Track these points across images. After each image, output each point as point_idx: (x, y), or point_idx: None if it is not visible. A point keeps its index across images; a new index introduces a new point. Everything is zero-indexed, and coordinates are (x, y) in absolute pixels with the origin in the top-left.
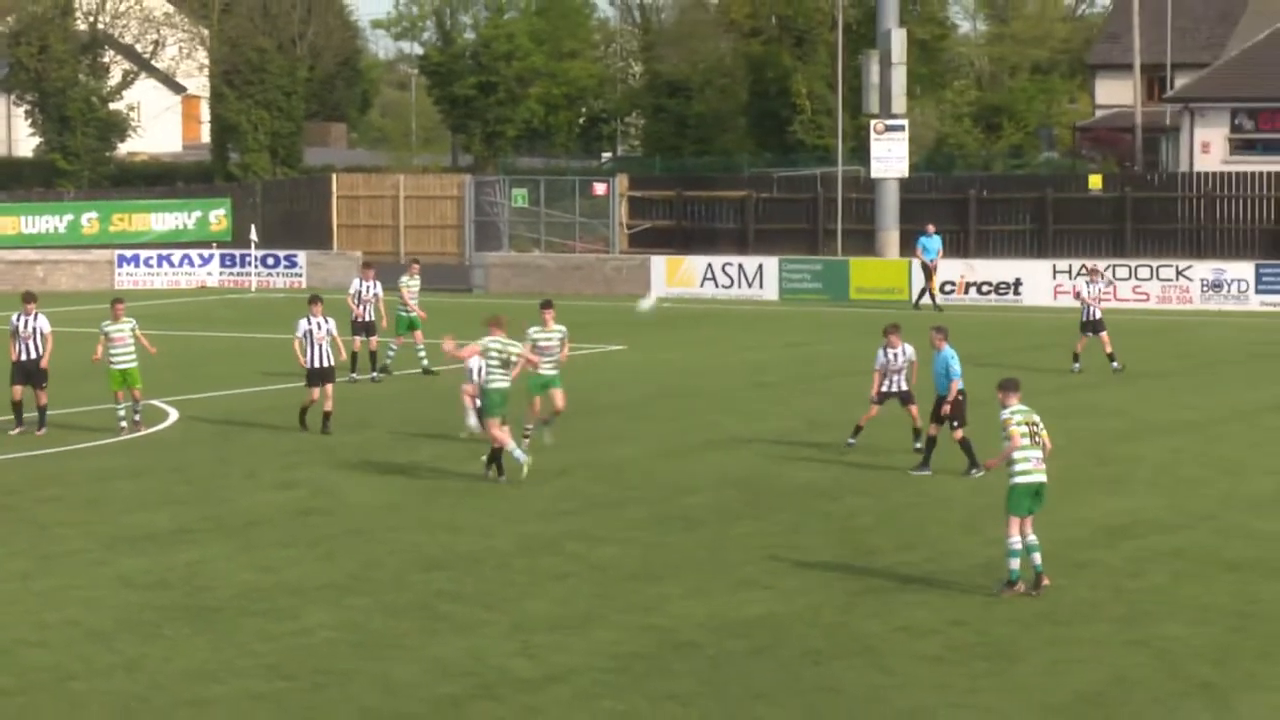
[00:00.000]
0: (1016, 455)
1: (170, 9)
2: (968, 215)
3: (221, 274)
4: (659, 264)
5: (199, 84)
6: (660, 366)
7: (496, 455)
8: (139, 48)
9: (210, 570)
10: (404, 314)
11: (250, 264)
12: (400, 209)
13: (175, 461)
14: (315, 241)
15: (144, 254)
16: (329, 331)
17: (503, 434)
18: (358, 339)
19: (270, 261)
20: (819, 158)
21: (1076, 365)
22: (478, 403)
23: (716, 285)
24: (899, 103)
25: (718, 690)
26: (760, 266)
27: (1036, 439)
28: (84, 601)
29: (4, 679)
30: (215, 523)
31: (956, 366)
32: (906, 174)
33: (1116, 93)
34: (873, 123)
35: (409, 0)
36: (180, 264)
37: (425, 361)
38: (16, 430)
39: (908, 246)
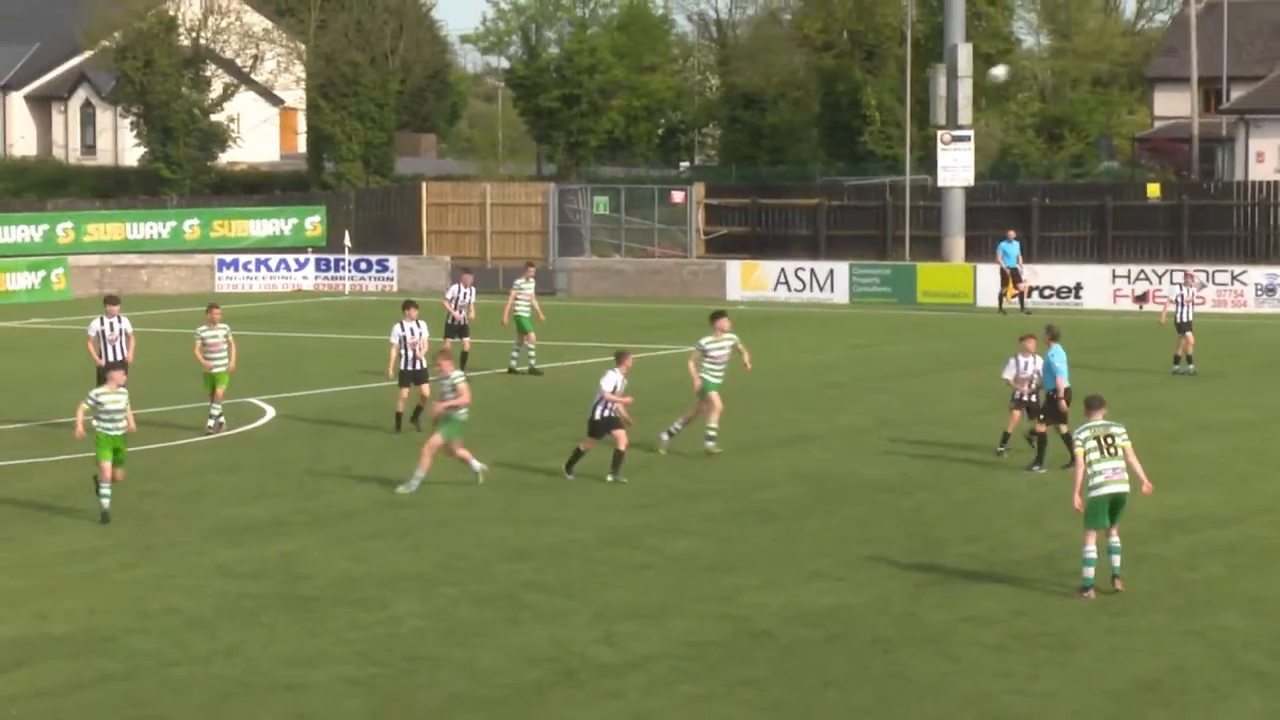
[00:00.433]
0: (1091, 470)
1: (269, 25)
2: (1030, 222)
3: (317, 278)
4: (734, 269)
5: (296, 96)
6: (736, 366)
7: (577, 456)
8: (239, 62)
9: (304, 561)
10: (524, 313)
11: (344, 268)
12: (487, 216)
13: (270, 457)
14: (406, 247)
15: (243, 259)
16: (423, 335)
17: (464, 452)
18: (449, 341)
19: (363, 266)
20: (888, 167)
21: (1177, 366)
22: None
23: (789, 289)
24: (965, 114)
25: (790, 677)
26: (831, 271)
27: (1112, 449)
28: (185, 590)
29: (109, 664)
30: (309, 515)
31: (1060, 365)
32: (972, 182)
33: (1174, 104)
34: (940, 133)
35: (496, 16)
36: (277, 268)
37: (533, 361)
38: None
39: (973, 252)
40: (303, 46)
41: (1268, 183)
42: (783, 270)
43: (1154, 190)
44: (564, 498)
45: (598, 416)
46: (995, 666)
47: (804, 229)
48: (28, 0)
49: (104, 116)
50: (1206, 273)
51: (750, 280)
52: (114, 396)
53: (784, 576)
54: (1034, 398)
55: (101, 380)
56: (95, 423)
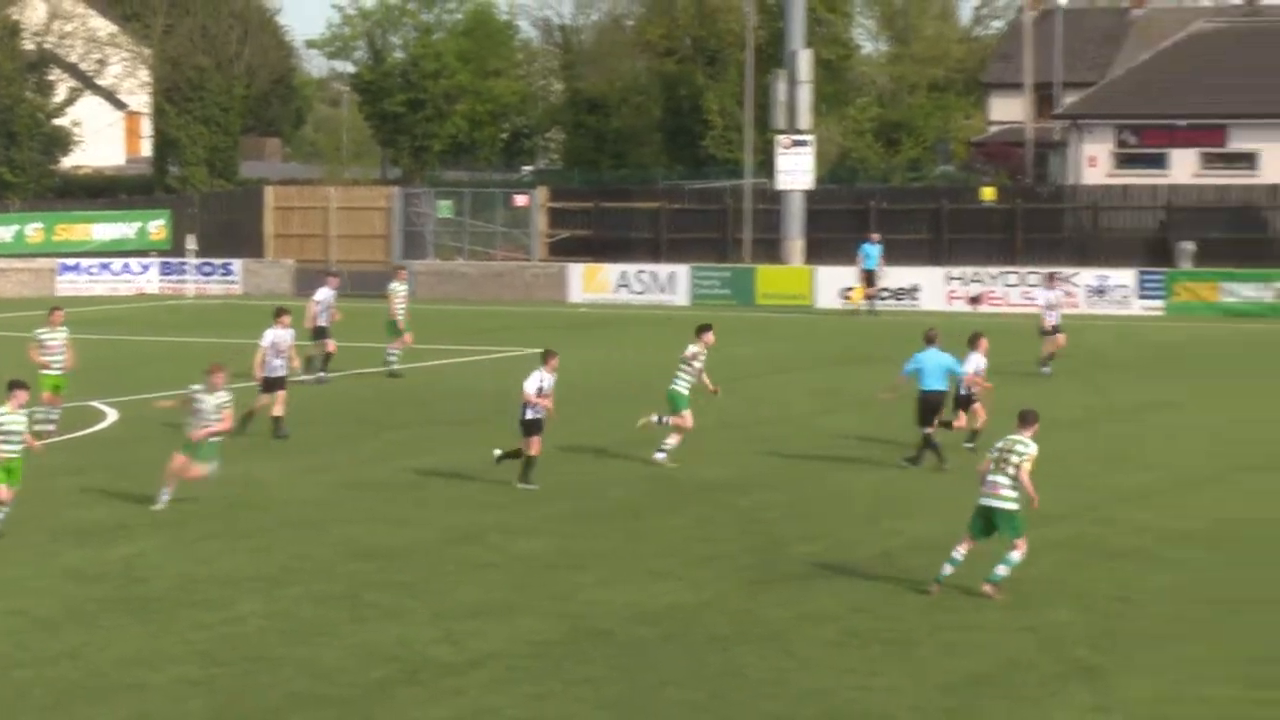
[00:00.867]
0: (982, 479)
1: (115, 30)
2: (869, 225)
3: (161, 281)
4: (576, 271)
5: (141, 101)
6: (577, 368)
7: (514, 454)
8: (84, 66)
9: (147, 563)
10: (401, 316)
11: (188, 271)
12: (332, 219)
13: (114, 460)
14: (250, 250)
15: (85, 262)
16: (290, 342)
17: (198, 471)
18: (316, 344)
19: (207, 269)
20: (729, 171)
21: (1046, 368)
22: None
23: (631, 292)
24: (805, 119)
25: (628, 675)
26: (672, 274)
27: (1003, 465)
28: (33, 592)
29: None
30: (151, 517)
31: (930, 365)
32: (811, 186)
33: (1009, 110)
34: (780, 138)
35: (342, 21)
36: (120, 272)
37: (393, 363)
38: None
39: (813, 255)
40: (148, 51)
41: (1099, 186)
42: (624, 273)
43: (989, 194)
44: (409, 498)
45: (528, 417)
46: (833, 662)
47: (646, 232)
48: None
49: None
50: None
51: (592, 283)
52: (15, 416)
53: (624, 575)
54: (971, 391)
55: None
56: None
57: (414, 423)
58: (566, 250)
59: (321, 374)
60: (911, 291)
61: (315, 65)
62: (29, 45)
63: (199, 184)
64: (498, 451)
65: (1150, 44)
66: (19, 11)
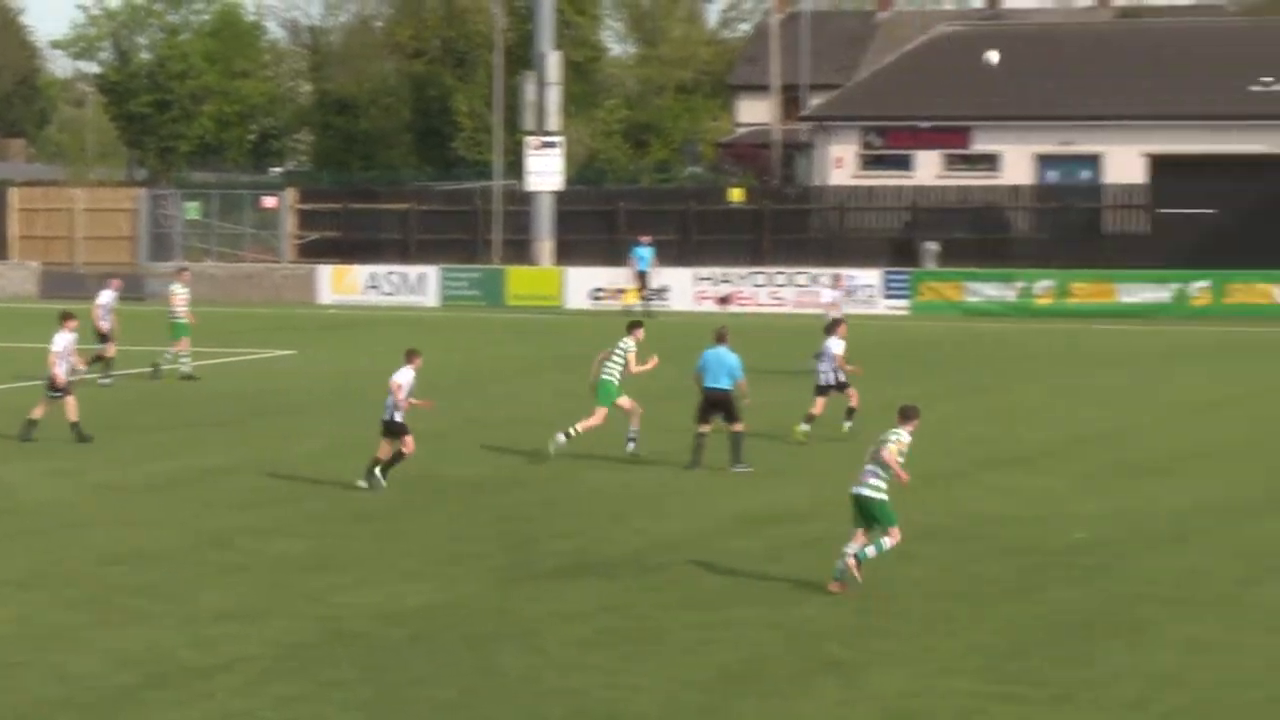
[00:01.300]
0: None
1: None
2: (618, 226)
3: None
4: (325, 273)
5: None
6: (328, 370)
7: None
8: None
9: None
10: (179, 320)
11: None
12: (77, 221)
13: None
14: None
15: None
16: (74, 346)
17: None
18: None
19: None
20: (479, 172)
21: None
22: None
23: (380, 293)
24: (554, 120)
25: (380, 676)
26: (422, 275)
27: (875, 456)
28: None
29: None
30: None
31: (716, 366)
32: (560, 187)
33: (756, 111)
34: (529, 139)
35: (87, 21)
36: None
37: (163, 366)
38: None
39: (562, 256)
40: None
41: (846, 188)
42: (373, 274)
43: (736, 195)
44: (164, 500)
45: (398, 419)
46: (584, 660)
47: (395, 233)
48: None
49: None
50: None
51: (341, 284)
52: None
53: (377, 576)
54: (833, 378)
55: None
56: None
57: (167, 425)
58: (316, 252)
59: (104, 377)
60: (660, 292)
61: (60, 66)
62: None
63: None
64: (367, 482)
65: (895, 47)
66: None
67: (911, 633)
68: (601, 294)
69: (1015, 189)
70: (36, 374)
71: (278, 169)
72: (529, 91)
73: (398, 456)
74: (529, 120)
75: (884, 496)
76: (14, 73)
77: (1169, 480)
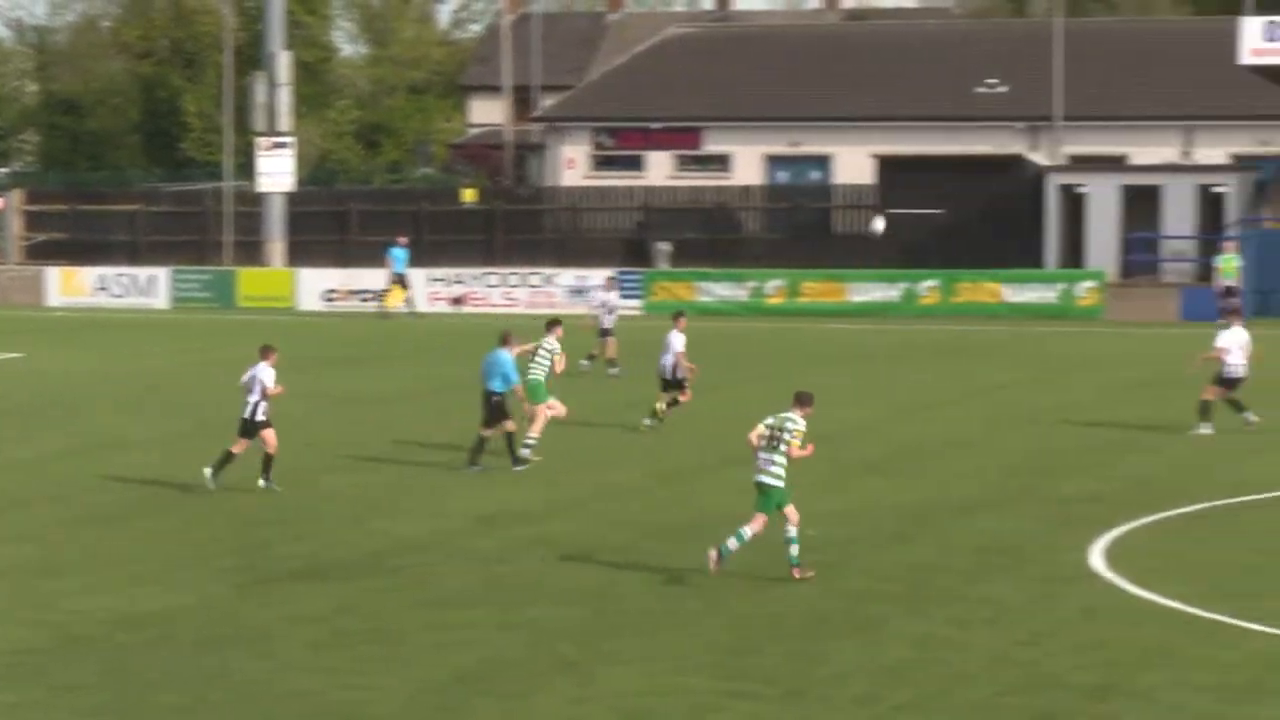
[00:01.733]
0: (756, 456)
1: None
2: (350, 227)
3: None
4: (53, 275)
5: None
6: (56, 373)
7: (227, 459)
8: None
9: None
10: None
11: None
12: None
13: None
14: None
15: None
16: None
17: None
18: None
19: None
20: (209, 173)
21: (585, 364)
22: None
23: (110, 295)
24: (285, 121)
25: (114, 681)
26: (152, 276)
27: (773, 443)
28: None
29: None
30: None
31: (510, 368)
32: (292, 188)
33: (488, 112)
34: (259, 140)
35: None
36: None
37: None
38: None
39: (295, 257)
40: None
41: (578, 188)
42: (102, 276)
43: (468, 195)
44: None
45: (259, 417)
46: (319, 663)
47: (124, 235)
48: None
49: None
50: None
51: (70, 286)
52: None
53: (109, 581)
54: (674, 374)
55: None
56: None
57: None
58: (44, 253)
59: None
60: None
61: None
62: None
63: None
64: (208, 471)
65: (626, 48)
66: None
67: (645, 631)
68: (334, 295)
69: (746, 189)
70: None
71: (3, 169)
72: (259, 92)
73: (267, 458)
74: (259, 121)
75: (783, 484)
76: None
77: (897, 478)
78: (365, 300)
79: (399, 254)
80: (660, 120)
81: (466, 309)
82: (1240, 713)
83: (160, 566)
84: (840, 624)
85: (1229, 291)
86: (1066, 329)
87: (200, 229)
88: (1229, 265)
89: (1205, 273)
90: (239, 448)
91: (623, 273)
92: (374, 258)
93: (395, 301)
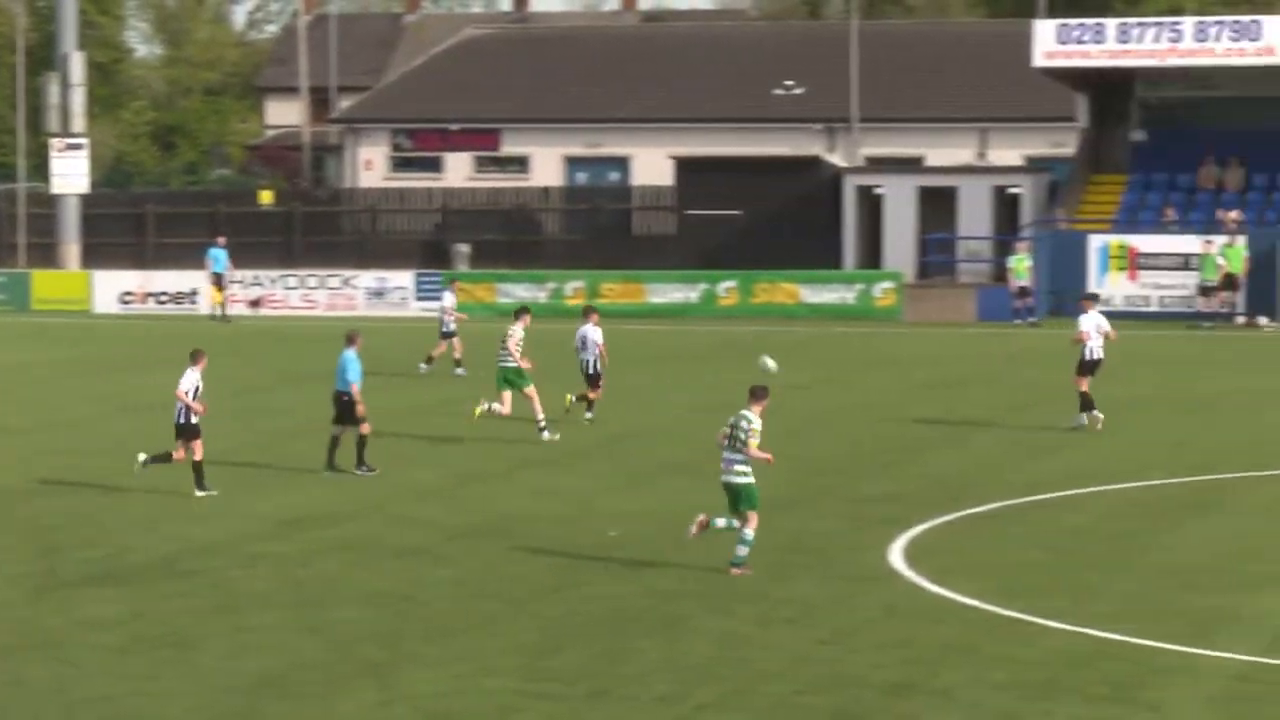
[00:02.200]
0: (722, 457)
1: None
2: (146, 229)
3: None
4: None
5: None
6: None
7: (165, 459)
8: None
9: None
10: None
11: None
12: None
13: None
14: None
15: None
16: None
17: None
18: None
19: None
20: (3, 174)
21: (424, 366)
22: None
23: None
24: (79, 122)
25: None
26: None
27: (734, 442)
28: None
29: None
30: None
31: (354, 370)
32: (87, 190)
33: (286, 113)
34: (53, 141)
35: None
36: None
37: None
38: None
39: (90, 259)
40: None
41: (377, 190)
42: None
43: (266, 197)
44: None
45: (182, 421)
46: (115, 668)
47: None
48: None
49: None
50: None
51: None
52: None
53: None
54: (595, 369)
55: None
56: None
57: None
58: None
59: None
60: (191, 295)
61: None
62: None
63: None
64: (143, 456)
65: (423, 49)
66: None
67: (448, 633)
68: (131, 297)
69: (545, 191)
70: None
71: None
72: (52, 93)
73: (197, 464)
74: (53, 122)
75: (750, 480)
76: None
77: (699, 478)
78: (162, 303)
79: (217, 254)
80: (458, 122)
81: (264, 311)
82: (1036, 709)
83: None
84: (643, 623)
85: (1023, 292)
86: (864, 329)
87: None
88: (1021, 265)
89: (1001, 273)
90: (180, 454)
91: (422, 274)
92: (171, 260)
93: (215, 301)
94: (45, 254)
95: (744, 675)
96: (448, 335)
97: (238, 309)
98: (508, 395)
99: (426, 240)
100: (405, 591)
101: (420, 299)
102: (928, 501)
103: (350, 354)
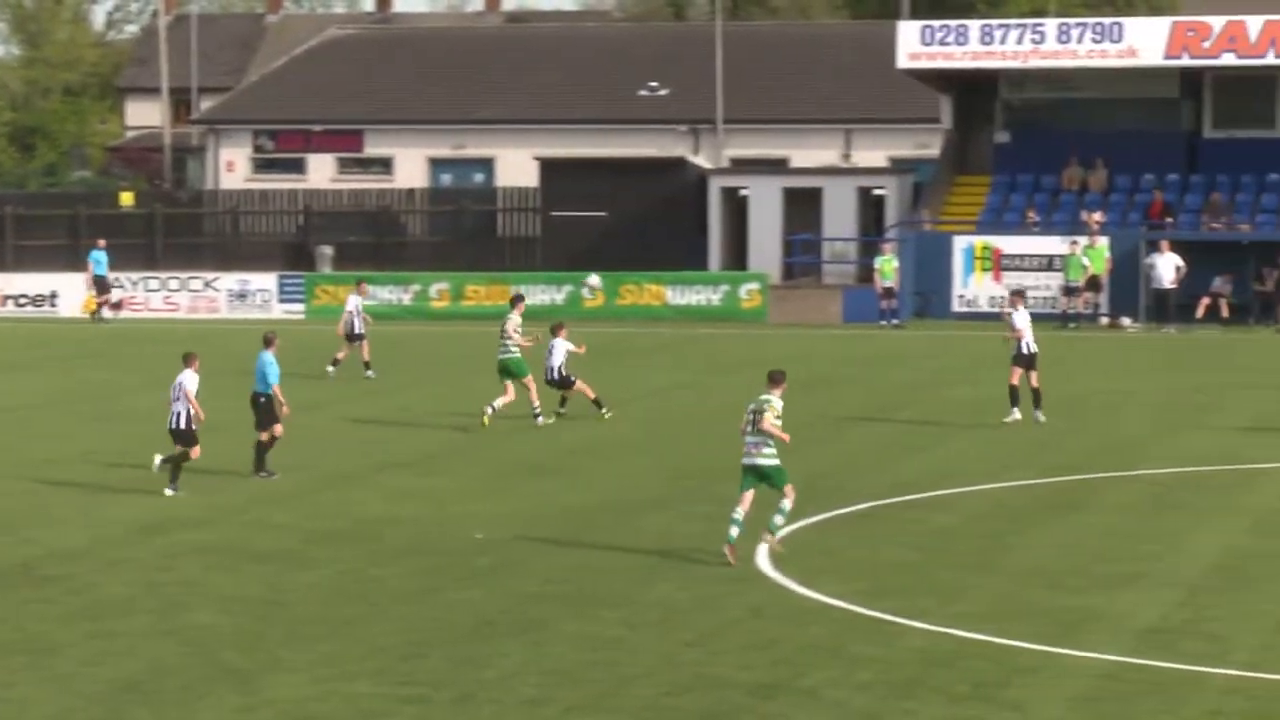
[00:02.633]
0: (743, 440)
1: None
2: (4, 231)
3: None
4: None
5: None
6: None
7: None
8: None
9: None
10: None
11: None
12: None
13: None
14: None
15: None
16: None
17: None
18: None
19: None
20: None
21: (331, 369)
22: None
23: None
24: None
25: None
26: None
27: (753, 425)
28: None
29: None
30: None
31: (272, 371)
32: None
33: (147, 114)
34: None
35: None
36: None
37: None
38: None
39: None
40: None
41: (238, 191)
42: None
43: (127, 199)
44: None
45: (182, 426)
46: None
47: None
48: None
49: None
50: (179, 279)
51: None
52: None
53: None
54: (558, 374)
55: None
56: None
57: None
58: None
59: None
60: (51, 298)
61: None
62: None
63: None
64: (159, 458)
65: (286, 49)
66: None
67: (311, 638)
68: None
69: (410, 192)
70: None
71: None
72: None
73: (183, 457)
74: None
75: (777, 461)
76: None
77: (564, 479)
78: (21, 305)
79: (99, 256)
80: (321, 123)
81: (126, 314)
82: (900, 709)
83: None
84: (509, 627)
85: (888, 292)
86: (730, 331)
87: None
88: (888, 266)
89: (867, 274)
90: (196, 453)
91: (284, 277)
92: (30, 262)
93: (94, 305)
94: None
95: (611, 678)
96: (355, 338)
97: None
98: (510, 385)
99: (289, 242)
100: (267, 596)
101: (283, 301)
102: (795, 502)
103: (268, 355)
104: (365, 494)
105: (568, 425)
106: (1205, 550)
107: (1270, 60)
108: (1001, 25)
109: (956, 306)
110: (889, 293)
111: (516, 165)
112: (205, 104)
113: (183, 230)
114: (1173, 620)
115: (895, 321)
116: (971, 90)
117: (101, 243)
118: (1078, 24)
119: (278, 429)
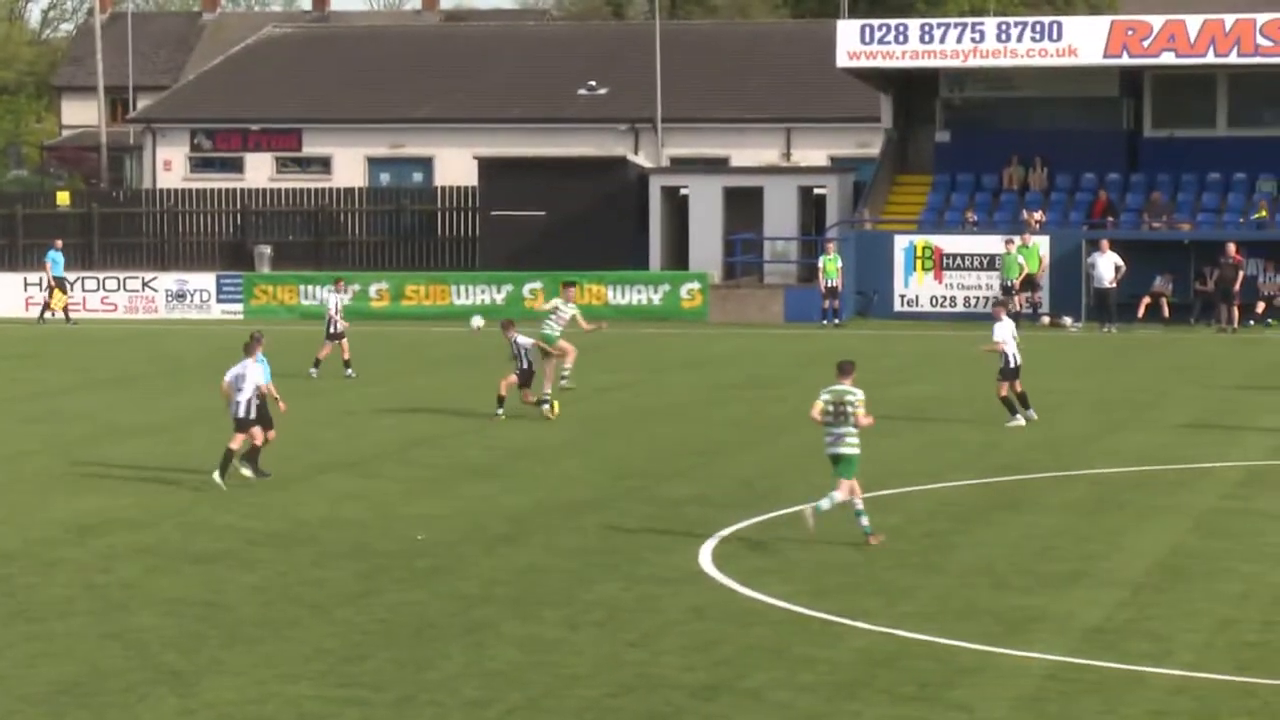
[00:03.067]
0: (825, 431)
1: None
2: None
3: None
4: None
5: None
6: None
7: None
8: None
9: None
10: None
11: None
12: None
13: None
14: None
15: None
16: None
17: None
18: None
19: None
20: None
21: (313, 370)
22: None
23: None
24: None
25: None
26: None
27: (842, 415)
28: None
29: None
30: None
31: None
32: None
33: (83, 113)
34: None
35: None
36: None
37: None
38: None
39: None
40: None
41: (176, 190)
42: None
43: (64, 198)
44: None
45: (251, 415)
46: None
47: None
48: None
49: None
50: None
51: None
52: None
53: None
54: (526, 365)
55: None
56: None
57: None
58: None
59: None
60: None
61: None
62: None
63: None
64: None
65: (222, 48)
66: None
67: (252, 639)
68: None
69: (349, 191)
70: None
71: None
72: None
73: (228, 450)
74: None
75: (858, 450)
76: None
77: (504, 480)
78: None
79: (55, 257)
80: (259, 121)
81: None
82: (844, 709)
83: None
84: (449, 628)
85: (832, 292)
86: (671, 330)
87: None
88: (831, 265)
89: (808, 274)
90: (259, 439)
91: (223, 277)
92: None
93: (60, 304)
94: None
95: (552, 679)
96: (335, 337)
97: (34, 311)
98: (557, 347)
99: (228, 242)
100: (206, 598)
101: (221, 301)
102: (737, 503)
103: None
104: (307, 495)
105: (509, 426)
106: (1148, 549)
107: (1210, 59)
108: (941, 24)
109: (898, 306)
110: (833, 292)
111: (456, 164)
112: (142, 103)
113: (120, 230)
114: (1116, 620)
115: (837, 321)
116: (912, 89)
117: (58, 243)
118: (1017, 23)
119: (271, 434)
